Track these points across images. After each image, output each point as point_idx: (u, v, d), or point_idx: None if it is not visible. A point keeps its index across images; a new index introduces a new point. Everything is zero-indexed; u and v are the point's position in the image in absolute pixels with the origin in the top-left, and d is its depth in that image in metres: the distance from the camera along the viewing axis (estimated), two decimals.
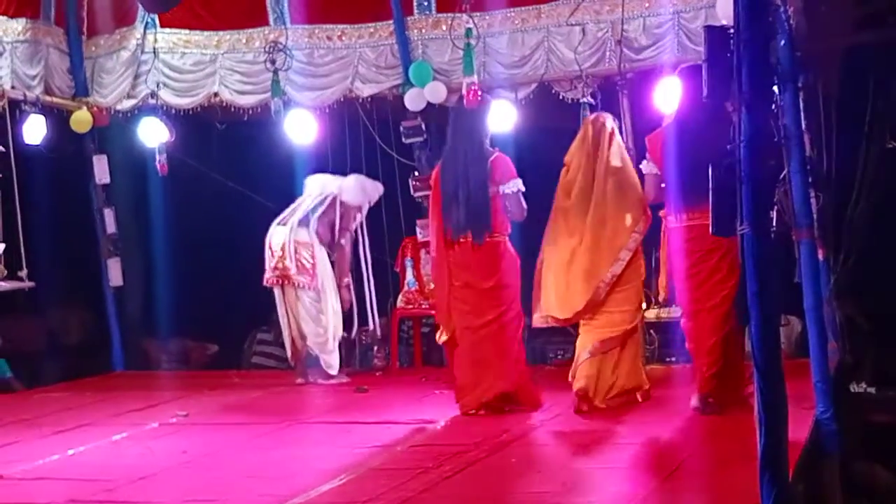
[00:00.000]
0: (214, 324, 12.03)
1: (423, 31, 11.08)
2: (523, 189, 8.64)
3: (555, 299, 8.58)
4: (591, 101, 10.44)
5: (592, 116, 9.10)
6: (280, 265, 10.10)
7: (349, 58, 11.26)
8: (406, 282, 11.25)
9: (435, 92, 10.92)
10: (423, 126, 11.27)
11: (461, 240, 8.55)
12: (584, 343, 8.48)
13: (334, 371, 10.30)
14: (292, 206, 10.38)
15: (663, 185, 8.33)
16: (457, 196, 8.53)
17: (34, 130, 10.96)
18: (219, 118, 11.82)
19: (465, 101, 10.72)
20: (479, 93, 10.44)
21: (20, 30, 10.90)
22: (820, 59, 6.60)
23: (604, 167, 8.59)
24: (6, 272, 10.18)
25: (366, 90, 11.23)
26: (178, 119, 11.65)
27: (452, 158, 8.64)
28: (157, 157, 11.58)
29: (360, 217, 10.66)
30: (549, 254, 8.66)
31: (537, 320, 8.79)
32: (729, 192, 5.32)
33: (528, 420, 8.04)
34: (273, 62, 11.24)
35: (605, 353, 8.39)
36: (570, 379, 8.44)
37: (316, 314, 10.19)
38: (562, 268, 8.55)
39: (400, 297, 11.27)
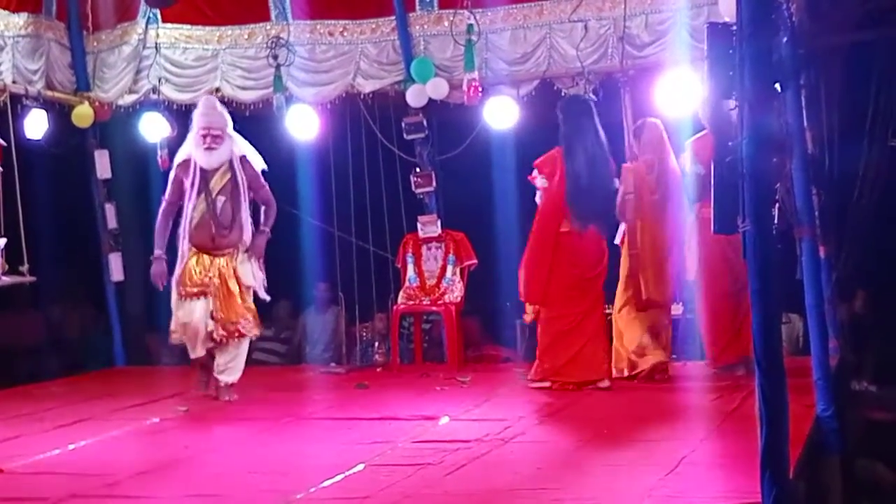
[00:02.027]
0: None
1: (425, 27, 11.07)
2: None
3: (654, 285, 9.46)
4: (594, 97, 10.44)
5: (657, 119, 9.79)
6: None
7: (351, 53, 11.27)
8: (407, 277, 11.25)
9: (437, 88, 10.92)
10: (425, 122, 11.28)
11: (577, 229, 9.09)
12: (640, 329, 9.48)
13: None
14: None
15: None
16: (591, 189, 8.99)
17: (35, 125, 10.95)
18: None
19: (465, 97, 10.74)
20: (480, 89, 10.60)
21: (21, 24, 10.89)
22: (822, 56, 6.60)
23: (672, 166, 9.51)
24: (7, 267, 10.14)
25: (367, 86, 11.23)
26: (180, 114, 11.61)
27: (582, 152, 9.04)
28: (159, 152, 11.57)
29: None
30: (647, 245, 9.48)
31: (641, 303, 9.56)
32: (731, 190, 5.32)
33: (529, 416, 8.05)
34: (275, 57, 11.24)
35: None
36: (633, 357, 9.47)
37: None
38: (659, 255, 9.46)
39: (401, 293, 11.26)
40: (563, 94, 10.68)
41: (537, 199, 9.30)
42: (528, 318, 9.58)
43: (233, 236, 9.14)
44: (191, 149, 9.19)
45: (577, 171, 9.00)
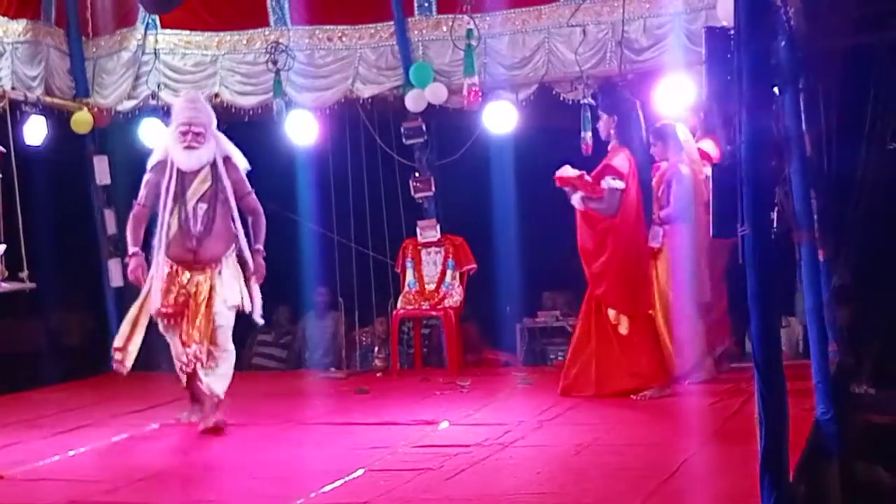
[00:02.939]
0: None
1: (424, 32, 11.09)
2: None
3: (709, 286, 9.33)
4: (592, 102, 10.44)
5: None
6: None
7: (350, 59, 11.29)
8: (406, 282, 11.27)
9: (435, 93, 10.94)
10: (424, 127, 11.30)
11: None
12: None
13: None
14: None
15: None
16: (648, 188, 9.06)
17: (35, 131, 10.99)
18: (219, 119, 11.81)
19: (465, 102, 10.75)
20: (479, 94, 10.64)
21: (21, 30, 10.92)
22: (820, 60, 6.60)
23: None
24: (7, 273, 10.17)
25: (366, 91, 11.25)
26: None
27: (641, 152, 9.05)
28: None
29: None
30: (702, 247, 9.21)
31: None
32: (729, 194, 5.32)
33: (529, 421, 8.05)
34: (275, 62, 11.25)
35: None
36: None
37: None
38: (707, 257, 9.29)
39: (400, 298, 11.28)
40: (561, 98, 10.70)
41: (577, 203, 8.99)
42: (625, 329, 9.05)
43: (215, 248, 8.12)
44: (168, 148, 8.22)
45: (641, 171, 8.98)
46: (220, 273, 8.15)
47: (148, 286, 8.17)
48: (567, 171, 9.03)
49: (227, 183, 8.19)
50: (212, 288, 8.08)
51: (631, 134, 9.01)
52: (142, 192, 8.26)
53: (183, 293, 8.08)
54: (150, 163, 8.30)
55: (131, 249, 8.27)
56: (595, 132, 10.16)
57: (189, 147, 8.11)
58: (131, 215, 8.33)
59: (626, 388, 8.84)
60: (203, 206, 8.10)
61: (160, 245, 8.11)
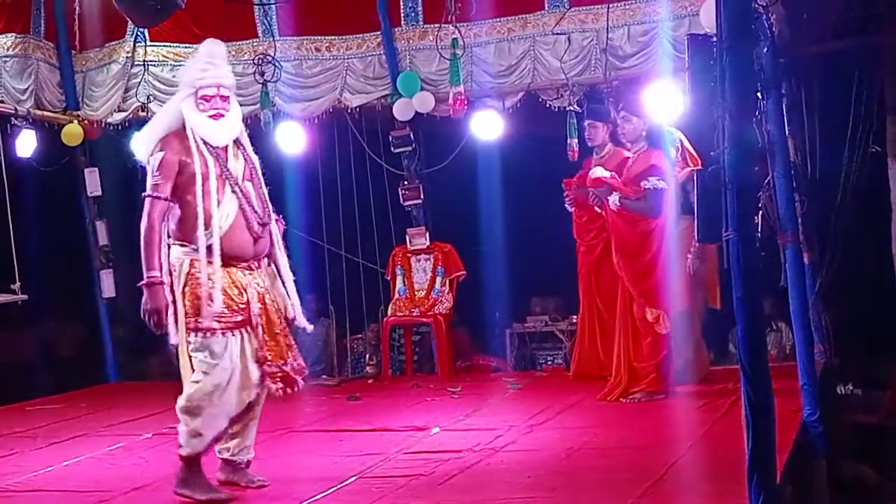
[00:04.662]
0: None
1: (411, 41, 11.12)
2: None
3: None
4: (578, 109, 10.49)
5: None
6: None
7: (337, 69, 11.32)
8: (396, 289, 11.32)
9: (423, 101, 10.98)
10: (412, 135, 11.35)
11: None
12: None
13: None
14: None
15: None
16: None
17: (25, 144, 11.03)
18: None
19: (451, 110, 10.79)
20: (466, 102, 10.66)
21: (10, 45, 10.95)
22: (802, 65, 6.67)
23: None
24: None
25: (354, 101, 11.28)
26: None
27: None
28: None
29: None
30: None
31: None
32: (714, 198, 5.38)
33: (519, 426, 8.09)
34: (262, 74, 11.28)
35: None
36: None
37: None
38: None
39: (390, 305, 11.33)
40: (547, 105, 10.74)
41: (613, 204, 8.85)
42: (664, 329, 8.87)
43: (268, 238, 6.44)
44: (187, 117, 6.29)
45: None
46: (271, 274, 6.51)
47: (192, 305, 6.16)
48: (601, 173, 9.01)
49: (256, 160, 6.53)
50: (266, 292, 6.40)
51: (662, 134, 8.97)
52: (157, 181, 6.15)
53: (244, 297, 6.25)
54: (151, 141, 6.31)
55: (149, 274, 6.09)
56: (581, 139, 10.23)
57: (218, 115, 6.33)
58: (149, 215, 6.13)
59: (631, 390, 8.88)
60: (249, 185, 6.37)
61: (208, 241, 6.12)
